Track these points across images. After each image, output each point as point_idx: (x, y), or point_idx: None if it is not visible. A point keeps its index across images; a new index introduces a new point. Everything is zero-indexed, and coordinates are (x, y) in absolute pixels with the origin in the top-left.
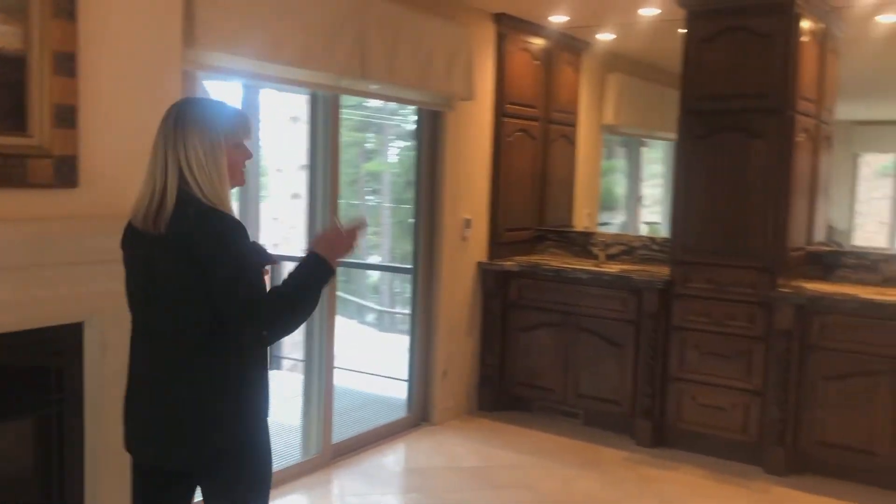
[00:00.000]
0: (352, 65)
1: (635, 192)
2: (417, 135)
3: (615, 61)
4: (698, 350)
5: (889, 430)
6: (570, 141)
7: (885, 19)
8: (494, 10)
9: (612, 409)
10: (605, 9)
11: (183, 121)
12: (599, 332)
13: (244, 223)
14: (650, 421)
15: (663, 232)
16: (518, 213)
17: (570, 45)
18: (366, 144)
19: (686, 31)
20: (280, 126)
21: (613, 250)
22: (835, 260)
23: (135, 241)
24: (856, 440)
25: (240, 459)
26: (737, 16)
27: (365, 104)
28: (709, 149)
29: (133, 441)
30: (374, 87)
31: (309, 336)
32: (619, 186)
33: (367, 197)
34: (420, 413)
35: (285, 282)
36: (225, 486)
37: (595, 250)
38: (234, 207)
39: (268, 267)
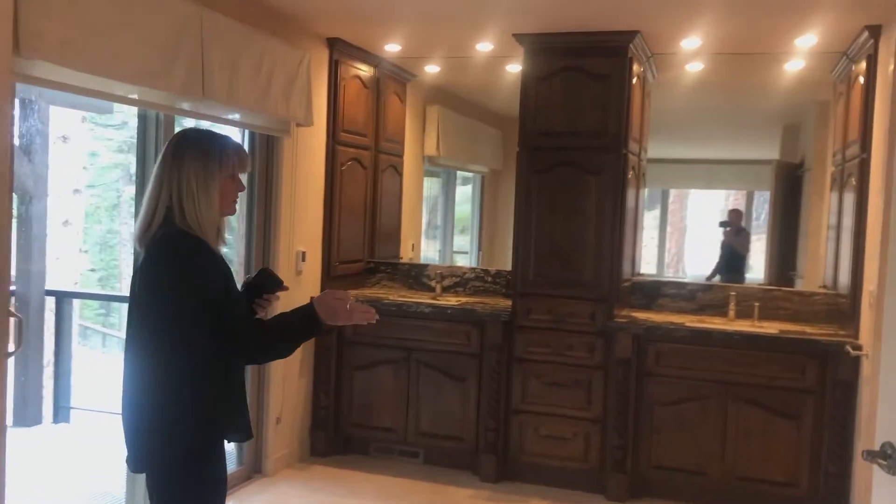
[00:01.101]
0: (192, 84)
1: (450, 223)
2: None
3: (436, 94)
4: (540, 381)
5: (718, 452)
6: (398, 171)
7: (692, 67)
8: (329, 35)
9: (454, 445)
10: (441, 41)
11: (182, 149)
12: (441, 368)
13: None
14: (494, 455)
15: (472, 261)
16: (350, 244)
17: (398, 74)
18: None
19: (524, 68)
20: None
21: (447, 282)
22: (656, 289)
23: (135, 261)
24: (689, 462)
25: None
26: (574, 56)
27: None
28: (548, 184)
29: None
30: (211, 110)
31: None
32: (437, 217)
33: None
34: (252, 465)
35: (276, 319)
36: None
37: (431, 283)
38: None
39: (277, 293)
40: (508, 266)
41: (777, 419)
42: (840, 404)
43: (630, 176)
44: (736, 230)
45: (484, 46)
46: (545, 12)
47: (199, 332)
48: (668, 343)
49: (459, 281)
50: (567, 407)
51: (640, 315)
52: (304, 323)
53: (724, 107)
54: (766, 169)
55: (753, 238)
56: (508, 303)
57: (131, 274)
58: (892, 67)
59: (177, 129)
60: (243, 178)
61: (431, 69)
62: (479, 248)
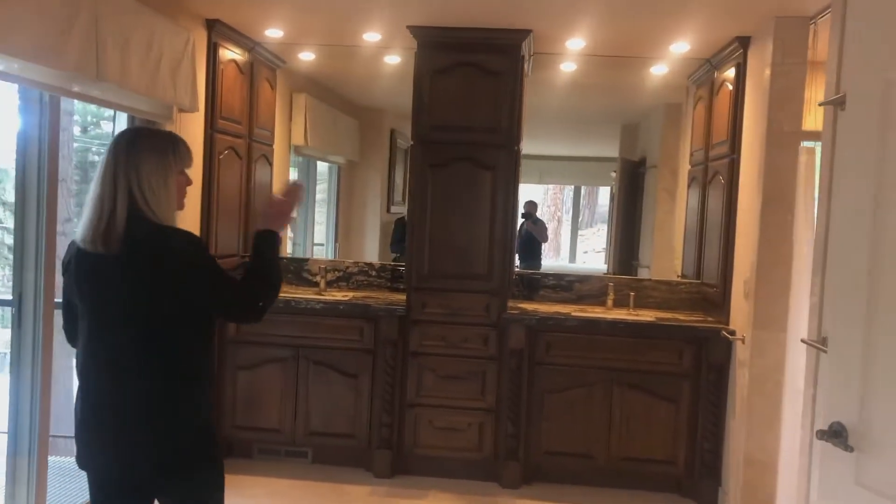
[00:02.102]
0: (86, 63)
1: (311, 215)
2: None
3: (304, 82)
4: (435, 374)
5: (604, 435)
6: (269, 161)
7: (566, 67)
8: (209, 16)
9: (346, 443)
10: (329, 29)
11: (136, 148)
12: (333, 364)
13: None
14: (389, 450)
15: (328, 253)
16: (227, 239)
17: (269, 60)
18: None
19: (417, 61)
20: None
21: (331, 277)
22: (538, 282)
23: (82, 261)
24: (577, 446)
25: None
26: (470, 52)
27: None
28: (443, 178)
29: (96, 455)
30: (102, 93)
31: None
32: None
33: None
34: None
35: (250, 266)
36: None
37: (315, 278)
38: None
39: None
40: (365, 258)
41: (658, 402)
42: (714, 386)
43: (519, 172)
44: (533, 220)
45: (371, 37)
46: (442, 6)
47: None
48: (557, 333)
49: (343, 275)
50: (462, 398)
51: (528, 306)
52: (266, 246)
53: (579, 106)
54: (607, 166)
55: (593, 230)
56: (397, 297)
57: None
58: (768, 73)
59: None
60: (189, 172)
61: (305, 56)
62: (336, 240)
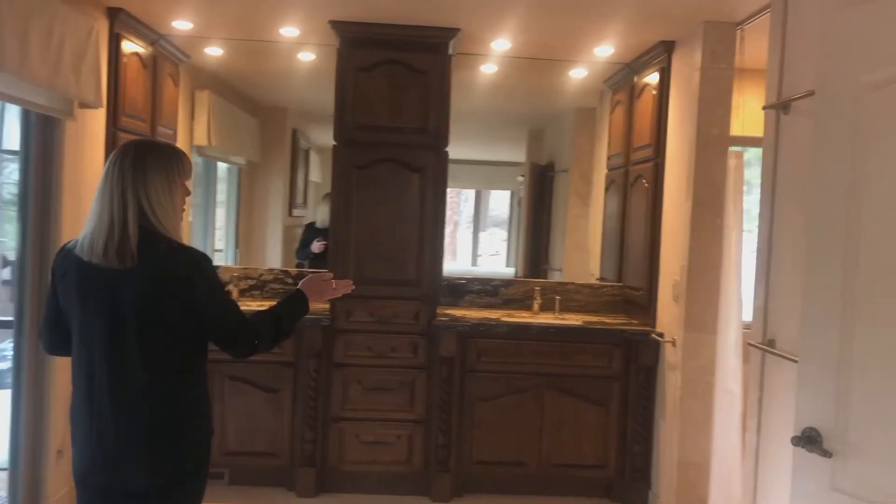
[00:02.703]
0: None
1: (211, 220)
2: (24, 148)
3: (206, 79)
4: (362, 386)
5: (535, 443)
6: None
7: (486, 69)
8: (111, 4)
9: (267, 462)
10: (243, 22)
11: (143, 161)
12: (250, 380)
13: None
14: (312, 468)
15: (228, 260)
16: None
17: (172, 55)
18: None
19: (340, 58)
20: None
21: (244, 285)
22: (463, 287)
23: (86, 274)
24: (509, 455)
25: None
26: (395, 49)
27: None
28: (369, 180)
29: (95, 466)
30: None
31: None
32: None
33: None
34: None
35: (274, 310)
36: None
37: (227, 287)
38: None
39: None
40: (267, 265)
41: (588, 406)
42: (643, 388)
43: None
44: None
45: (289, 31)
46: (366, 1)
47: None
48: (489, 339)
49: (256, 283)
50: (390, 410)
51: (457, 312)
52: (296, 308)
53: (491, 110)
54: (512, 170)
55: (485, 233)
56: (320, 305)
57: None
58: (697, 77)
59: None
60: (189, 184)
61: (212, 51)
62: (237, 246)
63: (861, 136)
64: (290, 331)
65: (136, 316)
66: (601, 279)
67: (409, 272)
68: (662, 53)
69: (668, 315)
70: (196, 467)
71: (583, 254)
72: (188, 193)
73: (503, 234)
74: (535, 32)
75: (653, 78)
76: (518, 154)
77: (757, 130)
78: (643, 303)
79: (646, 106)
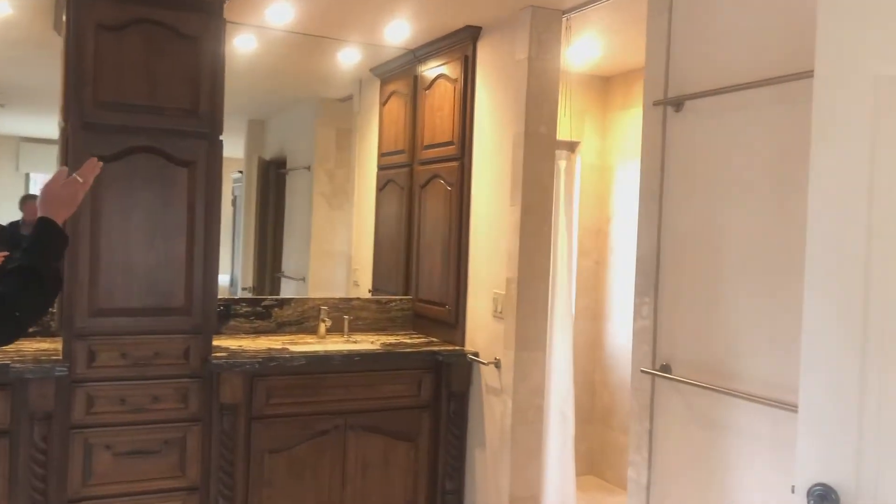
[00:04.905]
0: None
1: None
2: None
3: None
4: (111, 452)
5: (338, 493)
6: None
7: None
8: None
9: None
10: None
11: None
12: None
13: None
14: None
15: None
16: None
17: None
18: None
19: (74, 12)
20: None
21: None
22: (226, 310)
23: None
24: None
25: None
26: (154, 5)
27: None
28: (116, 176)
29: None
30: None
31: None
32: None
33: None
34: None
35: (18, 263)
36: None
37: None
38: None
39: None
40: None
41: (396, 443)
42: (455, 417)
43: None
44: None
45: None
46: None
47: None
48: (280, 376)
49: None
50: (154, 479)
51: (228, 343)
52: (46, 242)
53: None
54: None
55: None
56: (47, 346)
57: None
58: (524, 67)
59: None
60: None
61: None
62: None
63: (882, 133)
64: (56, 273)
65: None
66: (374, 291)
67: (176, 297)
68: (466, 40)
69: (486, 333)
70: None
71: (332, 261)
72: None
73: None
74: (316, 3)
75: (449, 68)
76: (233, 148)
77: (576, 135)
78: (448, 320)
79: (442, 99)
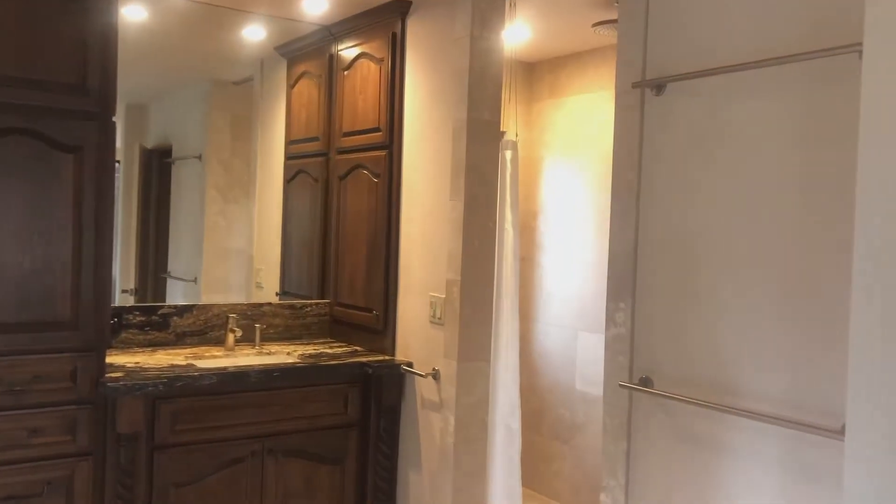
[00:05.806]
0: None
1: None
2: None
3: None
4: None
5: None
6: None
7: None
8: None
9: None
10: None
11: None
12: None
13: None
14: None
15: None
16: None
17: None
18: None
19: None
20: None
21: None
22: (118, 320)
23: None
24: None
25: None
26: None
27: None
28: None
29: None
30: None
31: None
32: None
33: None
34: None
35: None
36: None
37: None
38: None
39: None
40: None
41: (320, 467)
42: (385, 434)
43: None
44: None
45: None
46: None
47: None
48: (186, 398)
49: None
50: None
51: (124, 360)
52: None
53: None
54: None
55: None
56: None
57: None
58: (465, 46)
59: None
60: None
61: None
62: None
63: None
64: None
65: None
66: (283, 294)
67: (59, 309)
68: (394, 16)
69: (421, 341)
70: None
71: (229, 261)
72: None
73: None
74: None
75: (373, 47)
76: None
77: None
78: (375, 326)
79: (365, 81)
